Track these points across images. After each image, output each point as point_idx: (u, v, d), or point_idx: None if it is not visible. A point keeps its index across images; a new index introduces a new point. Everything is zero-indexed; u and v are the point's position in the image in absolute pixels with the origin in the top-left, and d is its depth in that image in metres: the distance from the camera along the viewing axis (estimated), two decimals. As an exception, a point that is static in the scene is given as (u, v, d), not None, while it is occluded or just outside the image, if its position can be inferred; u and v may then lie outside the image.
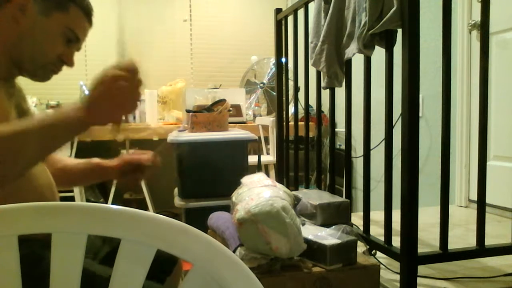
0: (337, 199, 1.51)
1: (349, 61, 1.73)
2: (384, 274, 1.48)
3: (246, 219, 1.18)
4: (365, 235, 1.58)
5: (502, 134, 2.28)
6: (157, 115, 3.52)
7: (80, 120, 0.77)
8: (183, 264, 1.18)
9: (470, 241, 1.53)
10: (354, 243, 1.28)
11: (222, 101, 2.50)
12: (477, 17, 2.33)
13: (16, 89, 0.98)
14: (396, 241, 1.38)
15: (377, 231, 1.61)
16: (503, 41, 2.27)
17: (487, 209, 1.55)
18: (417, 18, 1.26)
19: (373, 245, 1.51)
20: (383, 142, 1.49)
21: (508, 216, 2.19)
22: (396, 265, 1.40)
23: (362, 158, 1.62)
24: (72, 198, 3.14)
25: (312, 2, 1.91)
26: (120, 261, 0.50)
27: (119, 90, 0.76)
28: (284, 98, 2.42)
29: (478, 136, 1.44)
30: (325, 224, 1.41)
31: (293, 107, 2.38)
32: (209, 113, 2.44)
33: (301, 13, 2.06)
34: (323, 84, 1.89)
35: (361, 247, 1.38)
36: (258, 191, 1.28)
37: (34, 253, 0.77)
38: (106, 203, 3.23)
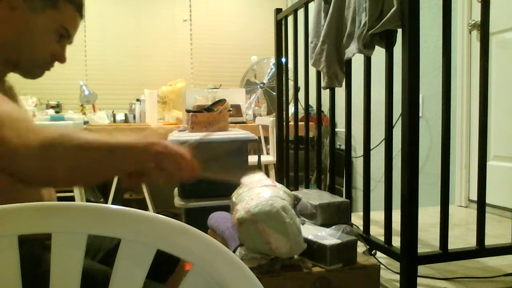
0: (337, 199, 1.51)
1: (349, 61, 1.73)
2: (384, 274, 1.48)
3: (246, 219, 1.18)
4: (365, 235, 1.59)
5: (502, 134, 2.28)
6: (157, 115, 3.51)
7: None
8: (185, 263, 1.18)
9: (470, 241, 1.53)
10: (354, 243, 1.28)
11: (222, 101, 2.50)
12: (477, 17, 2.32)
13: (7, 86, 0.97)
14: (396, 241, 1.38)
15: (377, 231, 1.61)
16: (503, 41, 2.27)
17: (487, 209, 1.55)
18: (417, 18, 1.26)
19: (373, 245, 1.51)
20: (383, 142, 1.49)
21: (508, 216, 2.19)
22: (396, 265, 1.40)
23: (362, 158, 1.62)
24: (72, 198, 3.14)
25: (312, 2, 1.91)
26: (120, 261, 0.50)
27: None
28: (284, 98, 2.42)
29: (478, 136, 1.44)
30: (325, 224, 1.41)
31: (293, 107, 2.38)
32: (209, 113, 2.43)
33: (301, 13, 2.06)
34: (323, 84, 1.89)
35: (361, 247, 1.38)
36: (258, 191, 1.28)
37: (34, 253, 0.77)
38: (106, 203, 3.23)
